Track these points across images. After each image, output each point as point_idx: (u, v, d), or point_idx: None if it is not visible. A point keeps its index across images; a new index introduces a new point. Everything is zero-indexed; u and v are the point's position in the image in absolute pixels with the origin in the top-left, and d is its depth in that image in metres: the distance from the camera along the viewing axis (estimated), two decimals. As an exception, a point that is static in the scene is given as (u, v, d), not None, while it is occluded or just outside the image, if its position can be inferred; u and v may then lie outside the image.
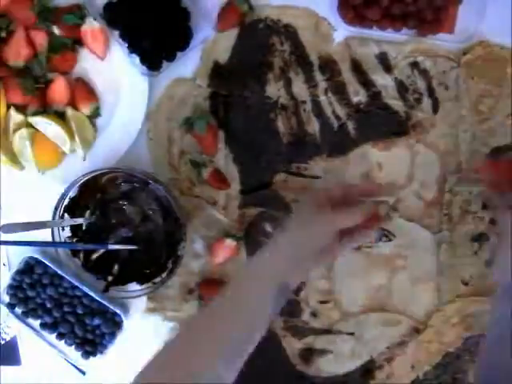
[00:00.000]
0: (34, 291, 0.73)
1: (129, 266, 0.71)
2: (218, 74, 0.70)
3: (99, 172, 0.66)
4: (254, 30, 0.70)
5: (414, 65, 0.70)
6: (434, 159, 0.71)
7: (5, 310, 0.74)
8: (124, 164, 0.70)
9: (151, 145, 0.72)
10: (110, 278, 0.70)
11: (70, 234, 0.69)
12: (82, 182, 0.66)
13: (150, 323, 0.74)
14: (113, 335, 0.73)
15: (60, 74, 0.69)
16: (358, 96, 0.70)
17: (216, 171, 0.71)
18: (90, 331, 0.73)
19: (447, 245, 0.72)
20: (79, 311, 0.73)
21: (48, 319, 0.73)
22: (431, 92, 0.70)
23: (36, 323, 0.74)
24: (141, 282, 0.69)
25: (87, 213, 0.70)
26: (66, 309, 0.73)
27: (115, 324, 0.73)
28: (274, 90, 0.70)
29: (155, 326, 0.74)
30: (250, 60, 0.70)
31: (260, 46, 0.70)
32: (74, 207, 0.68)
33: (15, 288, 0.73)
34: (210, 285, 0.73)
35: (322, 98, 0.70)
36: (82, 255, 0.70)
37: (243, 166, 0.72)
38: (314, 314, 0.74)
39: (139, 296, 0.69)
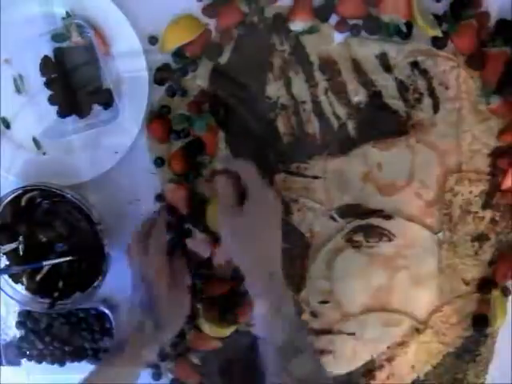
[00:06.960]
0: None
1: (72, 278, 0.72)
2: (218, 74, 0.70)
3: (11, 196, 0.67)
4: (254, 30, 0.70)
5: (414, 65, 0.69)
6: (433, 159, 0.71)
7: (4, 309, 0.74)
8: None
9: (151, 145, 0.72)
10: (55, 295, 0.71)
11: (7, 262, 0.71)
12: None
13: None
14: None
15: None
16: (358, 96, 0.70)
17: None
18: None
19: (447, 245, 0.72)
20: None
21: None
22: (431, 92, 0.70)
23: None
24: (82, 290, 0.71)
25: (20, 237, 0.71)
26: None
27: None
28: (274, 89, 0.70)
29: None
30: (250, 60, 0.70)
31: (260, 45, 0.70)
32: (1, 236, 0.70)
33: None
34: (210, 283, 0.73)
35: (322, 98, 0.70)
36: (24, 280, 0.71)
37: (243, 166, 0.72)
38: (313, 314, 0.74)
39: (83, 303, 0.71)
